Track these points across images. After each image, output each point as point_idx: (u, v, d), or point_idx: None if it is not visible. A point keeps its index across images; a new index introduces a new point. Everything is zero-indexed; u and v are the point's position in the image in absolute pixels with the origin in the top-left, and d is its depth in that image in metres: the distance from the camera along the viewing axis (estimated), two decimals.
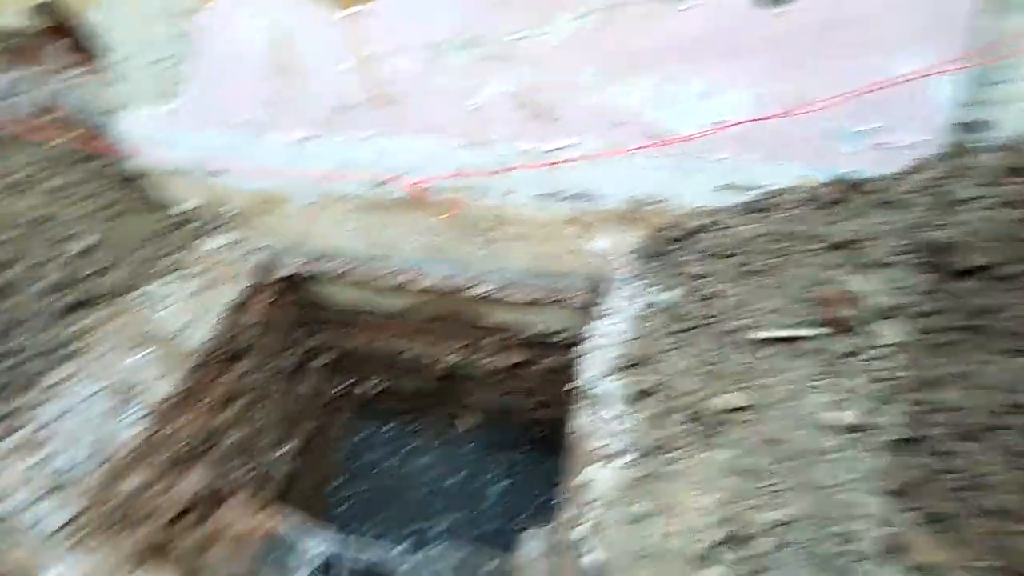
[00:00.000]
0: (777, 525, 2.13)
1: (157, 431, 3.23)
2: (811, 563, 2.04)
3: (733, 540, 2.13)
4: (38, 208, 3.46)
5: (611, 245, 3.50)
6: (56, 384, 2.99)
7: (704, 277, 3.01)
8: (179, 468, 3.42)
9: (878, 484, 2.18)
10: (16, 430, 2.81)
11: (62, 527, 2.74)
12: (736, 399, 2.50)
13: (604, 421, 2.70)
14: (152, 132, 3.68)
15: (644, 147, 3.08)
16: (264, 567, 3.63)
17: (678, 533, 2.21)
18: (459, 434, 5.41)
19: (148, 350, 3.28)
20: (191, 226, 3.76)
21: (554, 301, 3.75)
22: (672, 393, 2.62)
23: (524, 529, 4.36)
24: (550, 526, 3.16)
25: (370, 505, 5.25)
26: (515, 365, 4.40)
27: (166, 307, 3.41)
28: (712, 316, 2.82)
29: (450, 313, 4.14)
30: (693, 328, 2.81)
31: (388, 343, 4.58)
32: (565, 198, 3.39)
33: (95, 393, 3.07)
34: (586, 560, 2.29)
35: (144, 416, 3.15)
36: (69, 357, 3.07)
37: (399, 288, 3.99)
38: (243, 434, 3.95)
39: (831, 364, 2.52)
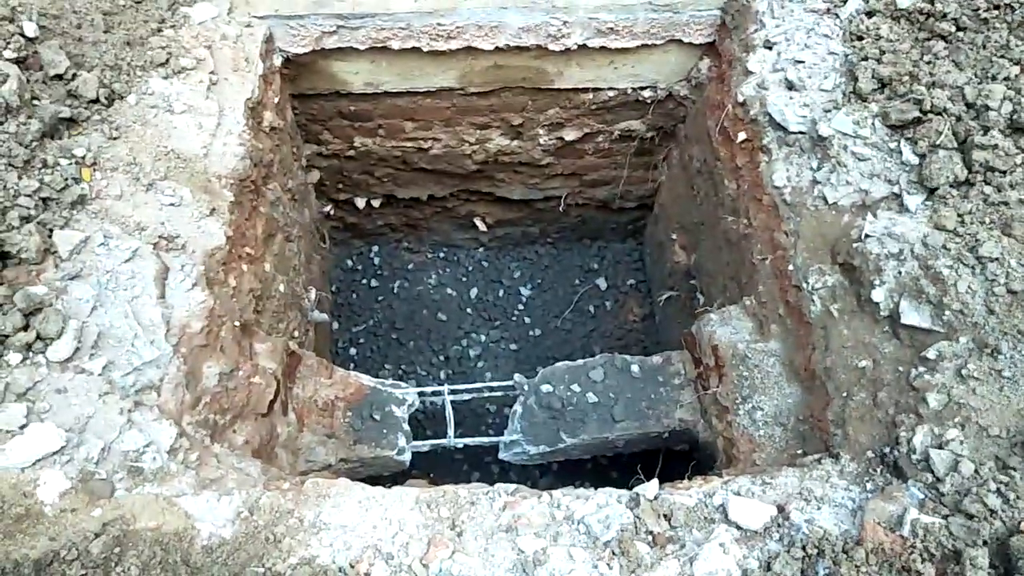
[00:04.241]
0: None
1: (217, 294, 2.26)
2: None
3: None
4: None
5: None
6: (75, 252, 1.89)
7: None
8: (248, 337, 2.50)
9: None
10: (51, 339, 1.75)
11: (171, 451, 1.87)
12: None
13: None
14: None
15: None
16: (367, 426, 2.94)
17: None
18: (474, 236, 4.68)
19: (174, 182, 2.18)
20: None
21: (671, 39, 2.96)
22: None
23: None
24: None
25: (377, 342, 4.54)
26: (579, 139, 3.63)
27: (177, 114, 2.23)
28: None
29: (512, 80, 3.19)
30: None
31: (410, 137, 3.58)
32: None
33: (129, 259, 2.00)
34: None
35: (200, 279, 2.16)
36: (76, 206, 1.93)
37: (453, 53, 2.96)
38: (287, 279, 3.00)
39: None
